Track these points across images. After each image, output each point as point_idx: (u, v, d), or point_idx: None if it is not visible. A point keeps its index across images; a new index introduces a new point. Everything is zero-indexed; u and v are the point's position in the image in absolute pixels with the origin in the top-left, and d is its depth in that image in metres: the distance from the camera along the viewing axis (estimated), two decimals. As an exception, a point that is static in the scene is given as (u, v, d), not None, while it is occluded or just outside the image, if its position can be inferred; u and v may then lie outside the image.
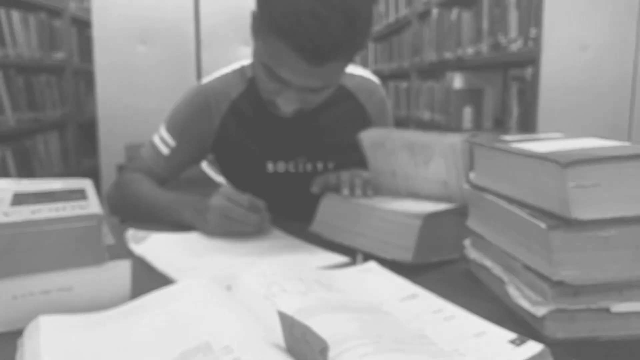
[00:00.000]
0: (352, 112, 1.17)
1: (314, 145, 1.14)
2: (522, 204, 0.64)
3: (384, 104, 1.23)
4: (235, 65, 1.17)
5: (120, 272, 0.62)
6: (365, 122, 1.16)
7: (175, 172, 1.17)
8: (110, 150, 2.03)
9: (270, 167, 1.13)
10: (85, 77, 3.66)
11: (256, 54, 0.97)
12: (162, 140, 1.14)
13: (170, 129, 1.15)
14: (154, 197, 1.07)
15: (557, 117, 1.98)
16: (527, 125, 2.07)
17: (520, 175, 0.65)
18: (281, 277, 0.64)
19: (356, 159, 1.05)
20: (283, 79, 0.91)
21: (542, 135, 0.74)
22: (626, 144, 0.64)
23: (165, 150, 1.13)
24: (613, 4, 1.94)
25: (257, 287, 0.62)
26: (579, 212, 0.57)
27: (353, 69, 1.18)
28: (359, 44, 0.90)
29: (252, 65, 1.06)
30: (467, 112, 2.81)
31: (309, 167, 1.14)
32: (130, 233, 0.92)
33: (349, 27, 0.84)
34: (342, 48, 0.86)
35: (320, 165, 1.14)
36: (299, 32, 0.83)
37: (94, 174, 2.22)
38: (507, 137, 0.74)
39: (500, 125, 2.58)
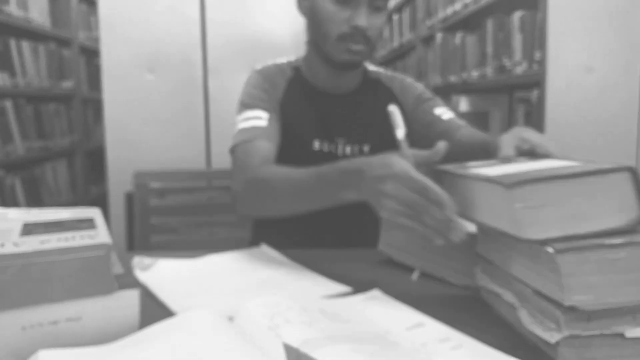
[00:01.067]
0: (383, 97, 1.25)
1: (351, 129, 1.22)
2: (484, 226, 0.68)
3: (414, 87, 1.31)
4: (279, 60, 1.29)
5: (129, 301, 0.62)
6: (391, 102, 1.21)
7: (275, 147, 1.14)
8: (119, 178, 2.04)
9: (316, 145, 1.20)
10: (94, 106, 3.70)
11: (317, 3, 1.12)
12: (254, 117, 1.16)
13: (254, 105, 1.18)
14: (300, 178, 0.93)
15: (564, 139, 1.97)
16: (534, 147, 2.06)
17: (478, 199, 0.68)
18: (285, 307, 0.64)
19: (392, 144, 1.03)
20: None
21: (507, 160, 0.78)
22: (576, 162, 0.65)
23: (263, 123, 1.15)
24: (617, 26, 1.95)
25: (260, 318, 0.62)
26: (529, 232, 0.58)
27: (374, 68, 1.33)
28: None
29: (313, 24, 1.17)
30: (474, 135, 2.81)
31: (348, 149, 1.21)
32: (136, 260, 0.91)
33: None
34: None
35: (356, 148, 1.21)
36: None
37: (102, 202, 2.23)
38: (472, 163, 0.77)
39: (507, 147, 2.57)
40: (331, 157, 1.19)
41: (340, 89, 1.24)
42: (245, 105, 1.19)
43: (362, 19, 1.08)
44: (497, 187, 0.62)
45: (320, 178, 0.87)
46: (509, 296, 0.67)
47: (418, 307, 0.69)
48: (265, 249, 1.04)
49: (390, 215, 0.72)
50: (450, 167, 0.77)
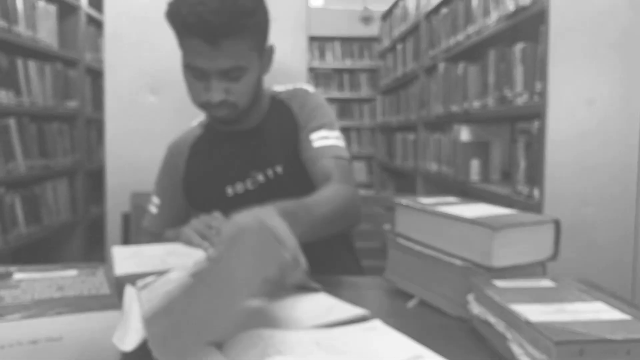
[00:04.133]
0: (285, 118, 1.28)
1: (262, 156, 1.25)
2: (447, 254, 0.83)
3: (307, 102, 1.29)
4: (195, 121, 1.38)
5: (111, 323, 0.61)
6: (293, 122, 1.27)
7: (169, 224, 1.30)
8: (118, 198, 2.03)
9: (229, 191, 1.25)
10: (97, 126, 3.72)
11: (182, 67, 1.15)
12: (152, 203, 1.33)
13: (155, 191, 1.34)
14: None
15: (564, 170, 1.97)
16: (534, 178, 2.06)
17: (447, 232, 0.84)
18: (278, 340, 0.63)
19: (297, 159, 1.24)
20: (198, 67, 1.09)
21: (443, 200, 0.97)
22: (514, 211, 0.88)
23: (154, 210, 1.32)
24: (617, 58, 1.96)
25: (251, 349, 0.61)
26: (496, 261, 0.76)
27: (293, 85, 1.34)
28: (247, 23, 1.08)
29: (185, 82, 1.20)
30: (475, 165, 2.81)
31: (261, 177, 1.24)
32: (140, 284, 0.89)
33: (230, 6, 1.04)
34: (229, 25, 1.04)
35: (270, 172, 1.23)
36: (192, 18, 1.03)
37: (101, 222, 2.22)
38: (424, 200, 0.96)
39: (508, 178, 2.57)
40: (247, 195, 1.24)
41: (247, 126, 1.27)
42: (152, 192, 1.36)
43: (213, 95, 1.12)
44: (480, 228, 0.78)
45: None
46: (501, 326, 0.66)
47: (417, 336, 0.68)
48: None
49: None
50: (411, 203, 0.94)
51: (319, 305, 0.83)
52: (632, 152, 1.98)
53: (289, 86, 1.35)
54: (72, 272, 0.75)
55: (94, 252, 3.45)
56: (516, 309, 0.64)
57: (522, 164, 2.19)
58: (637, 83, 1.97)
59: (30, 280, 0.71)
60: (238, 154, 1.26)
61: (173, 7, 1.08)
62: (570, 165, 1.97)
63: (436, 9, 3.50)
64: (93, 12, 3.66)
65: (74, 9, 3.45)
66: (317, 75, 6.34)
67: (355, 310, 0.79)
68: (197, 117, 1.40)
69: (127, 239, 1.60)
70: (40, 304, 0.62)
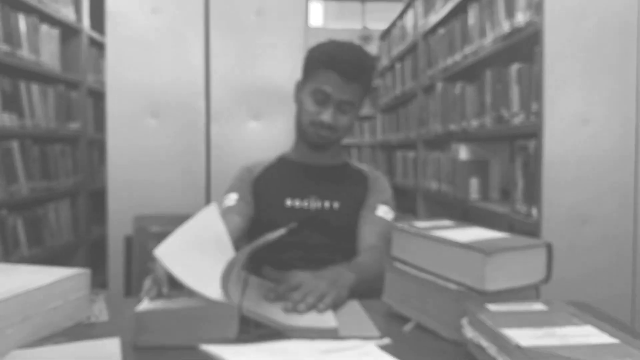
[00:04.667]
0: (357, 181, 1.58)
1: (325, 188, 1.51)
2: (441, 277, 0.85)
3: (383, 188, 1.58)
4: (268, 157, 1.64)
5: (109, 349, 0.63)
6: (365, 185, 1.57)
7: (243, 219, 1.47)
8: (119, 221, 2.05)
9: (288, 202, 1.48)
10: (99, 147, 3.75)
11: (301, 98, 1.50)
12: (227, 198, 1.53)
13: (229, 190, 1.55)
14: None
15: (562, 189, 1.99)
16: (532, 197, 2.08)
17: (441, 256, 0.86)
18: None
19: (356, 208, 1.51)
20: (326, 93, 1.42)
21: (439, 224, 1.00)
22: (507, 235, 0.90)
23: (231, 202, 1.51)
24: (611, 79, 1.99)
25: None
26: (489, 285, 0.78)
27: (359, 165, 1.63)
28: (371, 76, 1.48)
29: (297, 111, 1.53)
30: (474, 183, 2.83)
31: (318, 204, 1.49)
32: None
33: (362, 58, 1.45)
34: (359, 70, 1.42)
35: (327, 204, 1.48)
36: (337, 56, 1.42)
37: (103, 243, 2.24)
38: (418, 224, 1.00)
39: (507, 196, 2.59)
40: (302, 211, 1.47)
41: (318, 162, 1.56)
42: (226, 190, 1.57)
43: (326, 117, 1.43)
44: (474, 252, 0.80)
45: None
46: (492, 350, 0.67)
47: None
48: None
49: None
50: (407, 227, 0.98)
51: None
52: (627, 171, 2.00)
53: (366, 167, 1.64)
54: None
55: (96, 274, 3.45)
56: (507, 333, 0.65)
57: (520, 182, 2.21)
58: (631, 103, 2.00)
59: None
60: (305, 179, 1.53)
61: (322, 46, 1.47)
62: (567, 184, 1.99)
63: (433, 29, 3.55)
64: (95, 35, 3.71)
65: (76, 32, 3.50)
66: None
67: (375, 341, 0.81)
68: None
69: (129, 263, 1.61)
70: None
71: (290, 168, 1.58)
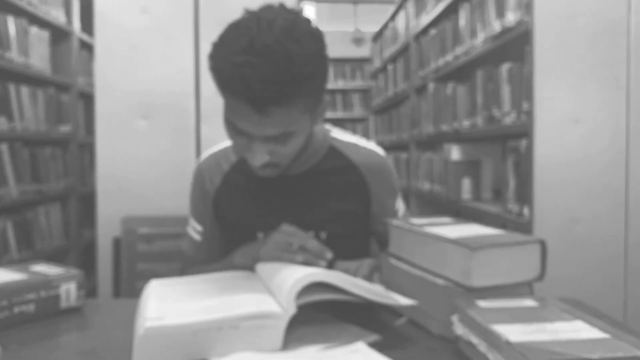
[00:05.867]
0: (352, 184, 1.16)
1: (303, 213, 1.13)
2: (432, 273, 0.85)
3: (388, 179, 1.22)
4: (228, 142, 1.16)
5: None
6: (365, 194, 1.17)
7: (215, 251, 1.22)
8: (109, 223, 2.03)
9: (260, 237, 1.13)
10: (90, 150, 3.73)
11: (224, 115, 1.01)
12: (192, 229, 1.24)
13: (193, 215, 1.24)
14: (214, 268, 1.10)
15: (553, 188, 1.99)
16: (524, 196, 2.08)
17: (431, 252, 0.86)
18: None
19: (350, 230, 1.14)
20: (242, 130, 0.96)
21: (437, 220, 0.99)
22: (502, 232, 0.88)
23: (197, 237, 1.23)
24: (602, 78, 1.99)
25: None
26: (476, 281, 0.77)
27: (357, 140, 1.21)
28: (302, 89, 0.92)
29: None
30: (466, 184, 2.83)
31: None
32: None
33: (283, 73, 0.88)
34: (281, 93, 0.89)
35: (311, 235, 1.09)
36: (237, 83, 0.88)
37: (94, 246, 2.22)
38: (416, 220, 0.99)
39: (499, 196, 2.59)
40: None
41: (290, 171, 1.12)
42: (190, 211, 1.26)
43: (255, 160, 0.99)
44: (460, 247, 0.79)
45: (228, 262, 1.10)
46: (483, 347, 0.67)
47: (402, 356, 0.69)
48: None
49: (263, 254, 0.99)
50: (401, 223, 0.97)
51: (327, 328, 0.84)
52: (618, 170, 2.00)
53: (358, 142, 1.21)
54: None
55: (87, 277, 3.43)
56: (497, 329, 0.65)
57: (512, 182, 2.21)
58: (622, 102, 2.00)
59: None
60: (276, 200, 1.14)
61: (214, 62, 0.92)
62: (558, 183, 1.99)
63: (425, 30, 3.55)
64: (85, 37, 3.69)
65: (66, 35, 3.48)
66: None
67: (365, 335, 0.80)
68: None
69: (117, 264, 1.59)
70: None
71: (253, 182, 1.14)
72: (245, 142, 0.98)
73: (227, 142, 1.20)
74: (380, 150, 1.23)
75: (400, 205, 1.24)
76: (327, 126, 1.22)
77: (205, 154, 1.25)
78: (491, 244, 0.80)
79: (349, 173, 1.16)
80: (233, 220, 1.18)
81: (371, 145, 1.22)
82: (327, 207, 1.14)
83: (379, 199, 1.19)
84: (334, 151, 1.17)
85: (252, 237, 1.13)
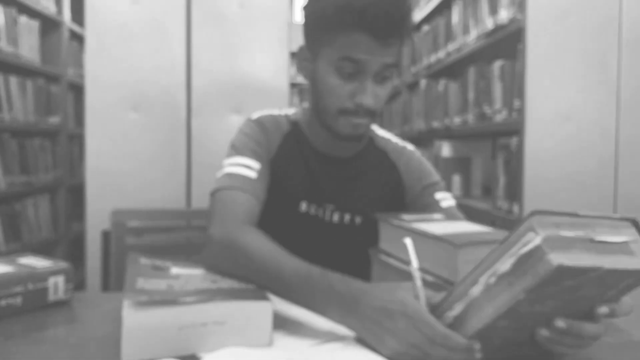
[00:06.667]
0: (385, 172, 1.22)
1: (347, 197, 1.17)
2: (422, 271, 0.81)
3: (421, 169, 1.24)
4: (276, 111, 1.23)
5: (263, 311, 0.73)
6: (397, 182, 1.22)
7: (260, 209, 1.08)
8: (98, 215, 2.02)
9: (303, 207, 1.15)
10: (79, 142, 3.70)
11: (322, 75, 1.06)
12: (244, 165, 1.10)
13: (247, 153, 1.12)
14: (285, 269, 0.82)
15: (543, 186, 2.00)
16: (514, 193, 2.09)
17: (419, 248, 0.81)
18: (252, 357, 0.64)
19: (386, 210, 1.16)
20: (361, 61, 1.01)
21: (428, 217, 0.99)
22: (489, 229, 0.90)
23: (253, 174, 1.09)
24: (593, 76, 2.00)
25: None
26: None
27: (391, 136, 1.28)
28: (409, 28, 1.05)
29: (313, 91, 1.11)
30: (456, 180, 2.84)
31: (336, 216, 1.16)
32: None
33: (403, 7, 1.01)
34: (400, 25, 1.01)
35: (347, 217, 1.15)
36: (368, 10, 0.98)
37: (82, 239, 2.21)
38: (405, 216, 0.97)
39: (489, 193, 2.60)
40: (317, 221, 1.15)
41: (339, 153, 1.18)
42: (237, 150, 1.13)
43: (368, 98, 1.03)
44: (446, 244, 0.81)
45: (308, 282, 0.78)
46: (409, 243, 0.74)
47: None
48: None
49: (392, 355, 0.67)
50: (392, 219, 0.96)
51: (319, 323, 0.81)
52: (608, 168, 2.02)
53: (393, 138, 1.28)
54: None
55: (76, 270, 3.41)
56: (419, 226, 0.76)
57: (502, 179, 2.22)
58: (612, 100, 2.01)
59: (187, 274, 0.83)
60: (324, 178, 1.17)
61: (359, 5, 0.99)
62: (548, 181, 2.00)
63: (417, 27, 3.55)
64: (76, 28, 3.66)
65: (56, 25, 3.45)
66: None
67: None
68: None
69: (106, 258, 1.58)
70: (204, 292, 0.73)
71: (308, 155, 1.18)
72: (353, 86, 1.03)
73: (275, 110, 1.23)
74: (410, 146, 1.28)
75: (443, 197, 1.21)
76: None
77: (259, 113, 1.22)
78: (475, 242, 0.82)
79: (385, 164, 1.22)
80: (282, 182, 1.15)
81: (403, 141, 1.28)
82: (364, 193, 1.19)
83: (413, 191, 1.21)
84: (372, 143, 1.24)
85: (294, 206, 1.15)
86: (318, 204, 1.15)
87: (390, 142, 1.26)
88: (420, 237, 0.86)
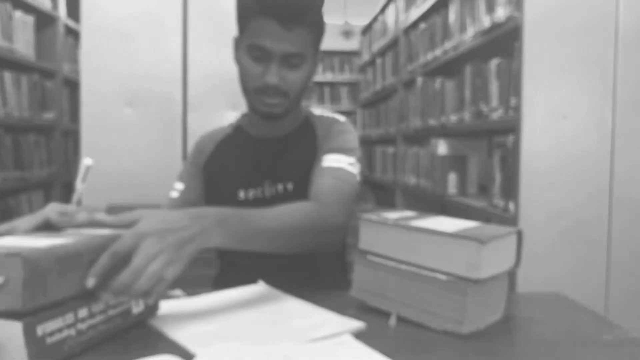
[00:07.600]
0: (308, 139, 1.32)
1: (278, 169, 1.28)
2: (426, 268, 0.83)
3: (332, 129, 1.32)
4: (225, 123, 1.43)
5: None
6: (314, 145, 1.29)
7: (194, 200, 1.33)
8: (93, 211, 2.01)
9: (241, 194, 1.28)
10: (74, 137, 3.69)
11: (239, 58, 1.21)
12: (174, 189, 1.35)
13: (179, 178, 1.37)
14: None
15: (539, 184, 2.00)
16: (510, 191, 2.09)
17: (424, 247, 0.84)
18: (246, 353, 0.63)
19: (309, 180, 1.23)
20: (265, 48, 1.14)
21: (404, 215, 0.96)
22: (478, 223, 0.89)
23: (175, 195, 1.34)
24: (589, 75, 2.00)
25: None
26: (482, 273, 0.79)
27: (326, 113, 1.38)
28: (318, 14, 1.19)
29: (239, 75, 1.23)
30: (452, 178, 2.84)
31: (273, 190, 1.27)
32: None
33: None
34: (304, 12, 1.14)
35: (280, 187, 1.26)
36: (268, 1, 1.12)
37: (75, 235, 2.19)
38: (389, 215, 0.95)
39: (485, 191, 2.60)
40: (257, 202, 1.24)
41: (274, 134, 1.32)
42: (179, 174, 1.39)
43: (272, 77, 1.16)
44: (468, 241, 0.79)
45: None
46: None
47: (387, 352, 0.68)
48: (263, 285, 1.02)
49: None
50: (378, 218, 0.92)
51: (311, 318, 0.83)
52: (604, 166, 2.02)
53: (324, 113, 1.39)
54: None
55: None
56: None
57: (498, 177, 2.22)
58: (608, 98, 2.01)
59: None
60: (258, 161, 1.31)
61: None
62: (544, 179, 2.00)
63: (414, 25, 3.55)
64: (71, 23, 3.64)
65: (52, 20, 3.43)
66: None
67: (351, 324, 0.79)
68: (213, 127, 1.41)
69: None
70: None
71: (243, 145, 1.34)
72: (261, 68, 1.17)
73: (224, 124, 1.42)
74: (341, 117, 1.36)
75: (333, 158, 1.23)
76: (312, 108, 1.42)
77: (202, 134, 1.41)
78: (493, 236, 0.81)
79: (310, 135, 1.32)
80: (220, 180, 1.32)
81: (337, 115, 1.37)
82: (293, 163, 1.29)
83: (319, 154, 1.26)
84: (307, 121, 1.35)
85: (234, 195, 1.28)
86: (256, 185, 1.27)
87: (322, 118, 1.36)
88: (429, 236, 0.84)
